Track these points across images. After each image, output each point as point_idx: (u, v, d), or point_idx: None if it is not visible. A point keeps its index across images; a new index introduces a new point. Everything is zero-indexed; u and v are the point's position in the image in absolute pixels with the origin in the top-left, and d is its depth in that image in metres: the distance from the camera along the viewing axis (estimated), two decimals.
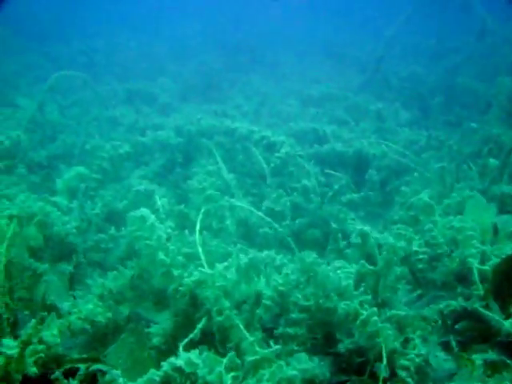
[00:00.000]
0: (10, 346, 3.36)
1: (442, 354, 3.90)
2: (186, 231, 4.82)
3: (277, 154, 6.72)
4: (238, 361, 3.39)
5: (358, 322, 3.71)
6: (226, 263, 4.01)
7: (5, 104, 12.68)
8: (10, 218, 4.70)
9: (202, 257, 4.13)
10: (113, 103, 11.62)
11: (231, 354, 3.39)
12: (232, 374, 3.28)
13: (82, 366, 3.58)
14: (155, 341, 3.89)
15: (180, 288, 3.81)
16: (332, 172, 7.12)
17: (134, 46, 19.77)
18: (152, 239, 4.01)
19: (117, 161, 6.96)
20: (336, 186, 6.65)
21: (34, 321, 3.55)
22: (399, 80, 14.08)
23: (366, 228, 4.83)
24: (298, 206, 6.12)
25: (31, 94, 13.84)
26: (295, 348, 3.72)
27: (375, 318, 3.66)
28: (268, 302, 3.88)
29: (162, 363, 3.22)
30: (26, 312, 4.40)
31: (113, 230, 5.54)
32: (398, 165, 7.52)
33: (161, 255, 3.94)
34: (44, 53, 19.06)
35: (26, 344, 3.45)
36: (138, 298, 4.24)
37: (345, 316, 3.77)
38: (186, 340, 3.56)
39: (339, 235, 5.30)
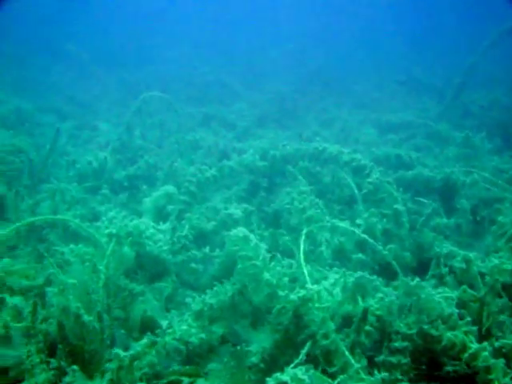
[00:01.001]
0: (121, 357, 3.40)
1: None
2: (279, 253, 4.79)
3: (369, 180, 6.60)
4: None
5: (466, 354, 3.58)
6: (332, 280, 3.94)
7: (86, 127, 13.04)
8: (110, 236, 4.73)
9: (307, 278, 4.06)
10: (191, 126, 11.74)
11: (342, 377, 3.32)
12: None
13: (186, 380, 3.59)
14: (254, 359, 3.83)
15: (285, 305, 3.73)
16: (421, 199, 6.96)
17: (208, 71, 20.02)
18: (257, 259, 3.96)
19: (203, 183, 6.96)
20: (426, 213, 6.49)
21: (145, 338, 3.60)
22: (480, 108, 13.80)
23: (471, 254, 4.68)
24: (389, 232, 5.99)
25: (110, 117, 14.22)
26: (399, 377, 3.62)
27: (485, 353, 3.52)
28: (369, 327, 3.78)
29: (267, 379, 3.17)
30: (122, 331, 4.43)
31: (207, 250, 5.52)
32: (488, 193, 7.31)
33: (266, 275, 3.89)
34: (120, 78, 19.54)
35: (134, 358, 3.47)
36: (236, 315, 4.19)
37: (451, 346, 3.64)
38: (293, 363, 3.48)
39: (442, 260, 5.14)
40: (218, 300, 4.11)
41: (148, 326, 4.53)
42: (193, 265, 5.47)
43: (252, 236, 4.18)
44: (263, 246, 4.12)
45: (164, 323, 4.41)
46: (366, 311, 3.75)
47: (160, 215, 6.71)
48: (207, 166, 8.32)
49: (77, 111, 15.65)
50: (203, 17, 35.08)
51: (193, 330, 4.00)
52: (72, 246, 4.91)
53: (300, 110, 15.70)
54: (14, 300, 4.41)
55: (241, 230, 4.32)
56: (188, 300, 4.49)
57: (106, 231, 4.80)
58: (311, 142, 7.90)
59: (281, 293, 3.82)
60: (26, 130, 11.81)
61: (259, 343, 3.95)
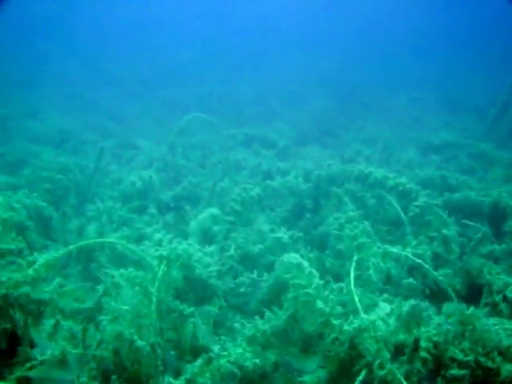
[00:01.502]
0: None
1: None
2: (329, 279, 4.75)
3: (416, 203, 6.55)
4: None
5: None
6: (388, 309, 3.91)
7: (128, 145, 13.19)
8: (160, 259, 4.76)
9: (359, 305, 4.03)
10: (232, 146, 11.78)
11: None
12: None
13: None
14: None
15: (339, 336, 3.70)
16: (469, 222, 6.87)
17: (248, 90, 20.11)
18: (310, 287, 3.95)
19: (248, 204, 6.98)
20: (476, 237, 6.39)
21: (200, 360, 3.60)
22: None
23: None
24: (438, 257, 5.92)
25: (151, 135, 14.36)
26: None
27: None
28: (424, 354, 3.72)
29: None
30: (173, 352, 4.43)
31: (254, 274, 5.52)
32: None
33: (319, 304, 3.87)
34: (160, 96, 19.75)
35: (189, 382, 3.49)
36: (287, 342, 4.17)
37: (509, 381, 3.56)
38: None
39: (495, 288, 5.06)
40: (271, 326, 4.10)
41: (198, 348, 4.54)
42: (241, 289, 5.46)
43: (305, 263, 4.17)
44: (316, 273, 4.11)
45: (214, 346, 4.42)
46: (418, 340, 3.70)
47: (206, 237, 6.74)
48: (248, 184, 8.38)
49: (118, 129, 15.86)
50: (236, 34, 35.31)
51: (247, 355, 3.99)
52: (122, 270, 4.94)
53: (339, 127, 15.68)
54: (67, 323, 4.47)
55: (294, 257, 4.32)
56: (236, 325, 4.52)
57: (157, 254, 4.82)
58: (354, 163, 7.88)
59: (334, 322, 3.80)
60: (71, 148, 11.98)
61: (311, 371, 3.94)
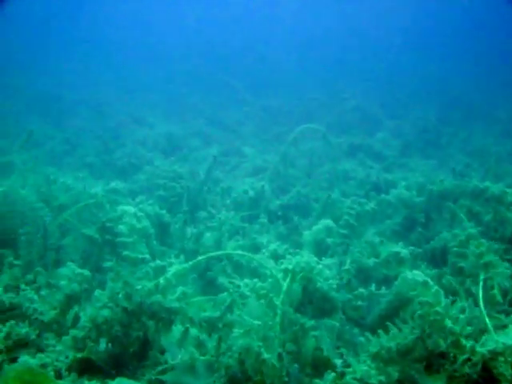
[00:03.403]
0: None
1: None
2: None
3: None
4: None
5: None
6: None
7: (232, 152, 13.47)
8: (285, 272, 4.88)
9: (490, 327, 4.02)
10: (338, 156, 11.81)
11: None
12: None
13: None
14: None
15: (472, 357, 3.71)
16: None
17: (349, 97, 20.05)
18: (438, 306, 3.96)
19: (362, 217, 7.01)
20: None
21: (332, 375, 3.70)
22: None
23: None
24: None
25: (255, 143, 14.61)
26: None
27: None
28: None
29: None
30: (296, 365, 4.52)
31: (372, 288, 5.56)
32: None
33: (448, 323, 3.88)
34: (262, 103, 20.01)
35: None
36: (411, 360, 4.19)
37: None
38: None
39: None
40: (396, 344, 4.13)
41: (320, 361, 4.62)
42: (359, 302, 5.52)
43: (431, 281, 4.18)
44: (441, 291, 4.11)
45: (336, 360, 4.51)
46: None
47: (319, 248, 6.83)
48: (358, 196, 8.40)
49: (221, 135, 16.21)
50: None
51: (372, 372, 4.04)
52: (247, 280, 5.10)
53: (443, 138, 15.42)
54: (194, 330, 4.67)
55: (418, 274, 4.35)
56: (361, 339, 4.58)
57: (282, 267, 4.94)
58: (468, 177, 7.78)
59: (465, 342, 3.80)
60: (183, 155, 12.35)
61: None
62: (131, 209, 6.32)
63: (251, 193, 8.49)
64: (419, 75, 24.88)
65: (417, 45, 34.10)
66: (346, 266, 6.09)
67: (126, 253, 5.91)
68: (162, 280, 4.77)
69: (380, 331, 4.35)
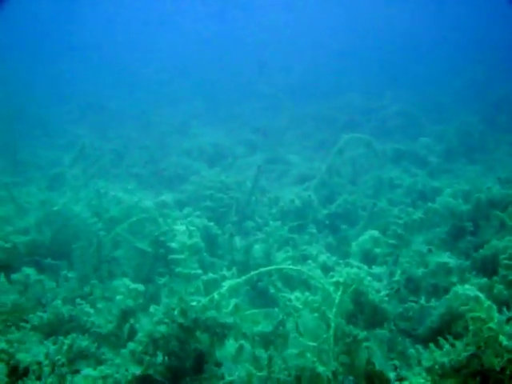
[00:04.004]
0: None
1: None
2: None
3: None
4: None
5: None
6: None
7: (277, 160, 13.56)
8: (337, 284, 4.96)
9: None
10: (382, 163, 11.82)
11: None
12: None
13: None
14: None
15: None
16: None
17: (390, 102, 20.00)
18: (491, 322, 3.99)
19: (410, 226, 7.03)
20: None
21: None
22: None
23: None
24: None
25: (300, 150, 14.69)
26: None
27: None
28: None
29: None
30: (351, 377, 4.60)
31: (422, 300, 5.60)
32: None
33: (503, 340, 3.91)
34: (304, 110, 20.08)
35: None
36: (468, 374, 4.22)
37: None
38: None
39: None
40: (450, 360, 4.17)
41: (373, 374, 4.68)
42: (409, 314, 5.56)
43: (483, 296, 4.21)
44: (494, 307, 4.13)
45: (389, 373, 4.57)
46: None
47: (367, 258, 6.88)
48: (405, 205, 8.43)
49: (264, 142, 16.30)
50: None
51: None
52: (298, 293, 5.19)
53: (489, 142, 15.24)
54: (248, 344, 4.78)
55: (470, 289, 4.38)
56: (411, 351, 4.63)
57: (333, 280, 5.02)
58: None
59: None
60: (228, 164, 12.49)
61: None
62: (182, 227, 6.46)
63: (298, 202, 8.57)
64: (462, 77, 24.64)
65: (460, 47, 33.76)
66: (396, 277, 6.13)
67: (178, 269, 6.05)
68: (216, 295, 4.88)
69: (432, 345, 4.40)
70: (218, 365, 4.74)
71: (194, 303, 4.72)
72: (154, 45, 37.85)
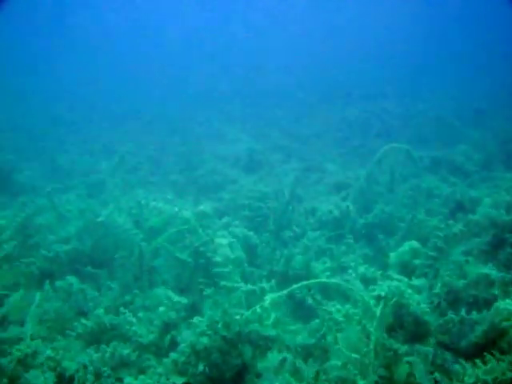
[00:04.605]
0: None
1: None
2: None
3: None
4: None
5: None
6: None
7: (312, 167, 13.57)
8: (378, 299, 4.97)
9: None
10: (418, 171, 11.73)
11: None
12: None
13: None
14: None
15: None
16: None
17: (424, 109, 19.86)
18: None
19: (450, 238, 6.99)
20: None
21: None
22: None
23: None
24: None
25: (334, 157, 14.68)
26: None
27: None
28: None
29: None
30: None
31: (462, 312, 5.56)
32: None
33: None
34: (342, 115, 20.05)
35: None
36: None
37: None
38: None
39: None
40: (493, 378, 4.16)
41: None
42: (450, 326, 5.52)
43: None
44: None
45: None
46: None
47: (405, 270, 6.86)
48: (443, 215, 8.38)
49: (299, 148, 16.36)
50: None
51: None
52: (338, 306, 5.22)
53: None
54: (290, 357, 4.82)
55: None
56: (456, 367, 4.62)
57: (375, 293, 5.03)
58: None
59: None
60: (265, 172, 12.54)
61: None
62: (225, 240, 6.55)
63: (336, 212, 8.57)
64: (498, 82, 24.36)
65: (498, 51, 33.40)
66: (437, 290, 6.10)
67: (223, 282, 6.11)
68: (258, 308, 4.93)
69: (478, 361, 4.37)
70: (258, 376, 4.80)
71: (237, 316, 4.78)
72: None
